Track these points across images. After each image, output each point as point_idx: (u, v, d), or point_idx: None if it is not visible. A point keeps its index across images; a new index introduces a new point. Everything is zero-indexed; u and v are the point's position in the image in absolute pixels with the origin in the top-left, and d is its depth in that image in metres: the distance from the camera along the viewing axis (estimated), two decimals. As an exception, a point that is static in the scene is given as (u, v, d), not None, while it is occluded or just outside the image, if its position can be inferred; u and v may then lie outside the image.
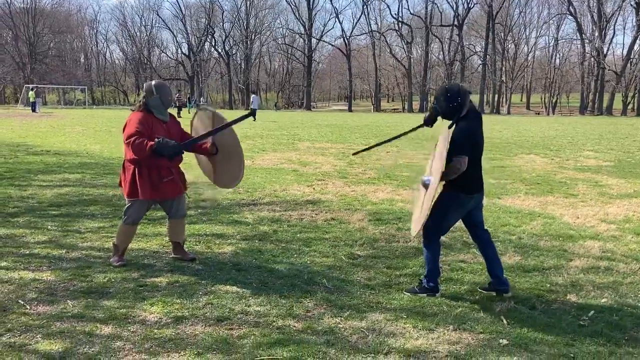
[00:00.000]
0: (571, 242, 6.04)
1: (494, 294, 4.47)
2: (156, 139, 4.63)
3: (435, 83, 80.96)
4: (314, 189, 9.11)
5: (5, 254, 5.24)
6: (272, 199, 8.15)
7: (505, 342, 3.63)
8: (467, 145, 4.18)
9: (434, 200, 4.30)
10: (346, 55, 77.28)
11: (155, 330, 3.70)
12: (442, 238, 4.74)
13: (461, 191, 4.37)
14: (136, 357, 3.34)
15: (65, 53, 77.56)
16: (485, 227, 4.65)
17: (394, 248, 5.76)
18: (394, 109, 79.60)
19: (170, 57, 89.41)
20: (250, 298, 4.32)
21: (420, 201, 4.65)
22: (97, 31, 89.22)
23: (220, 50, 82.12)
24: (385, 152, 14.21)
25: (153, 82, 4.99)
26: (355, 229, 6.44)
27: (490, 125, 31.75)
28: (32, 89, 42.97)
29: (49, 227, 6.29)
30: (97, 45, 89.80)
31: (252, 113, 5.32)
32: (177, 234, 5.27)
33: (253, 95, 38.66)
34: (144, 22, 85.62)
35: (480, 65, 74.47)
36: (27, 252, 5.35)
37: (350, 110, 73.62)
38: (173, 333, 3.67)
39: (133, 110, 4.96)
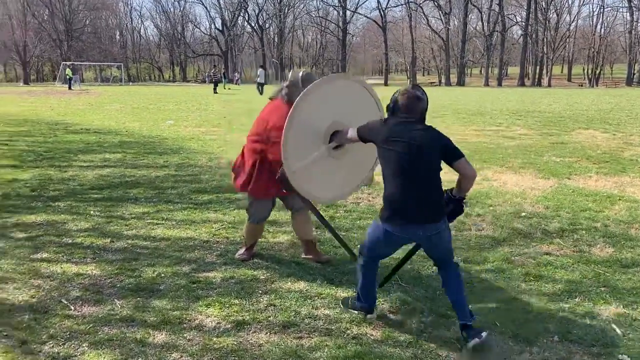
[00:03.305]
0: (666, 231, 5.36)
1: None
2: None
3: (474, 55, 78.78)
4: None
5: (46, 244, 4.86)
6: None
7: (626, 358, 3.05)
8: (363, 129, 3.51)
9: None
10: (382, 27, 75.51)
11: (215, 339, 3.24)
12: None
13: (380, 218, 3.36)
14: (196, 374, 2.90)
15: (100, 30, 77.83)
16: (454, 260, 3.45)
17: (467, 237, 5.18)
18: (431, 83, 77.80)
19: (204, 33, 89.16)
20: (317, 298, 3.82)
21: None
22: (131, 7, 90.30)
23: (253, 25, 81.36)
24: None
25: (300, 74, 4.17)
26: (419, 215, 5.86)
27: (537, 98, 30.55)
28: (69, 66, 43.19)
29: (92, 212, 5.91)
30: (131, 22, 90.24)
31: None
32: (306, 231, 4.54)
33: (260, 69, 37.55)
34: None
35: (521, 36, 71.96)
36: (70, 241, 4.96)
37: (386, 84, 72.16)
38: (234, 342, 3.21)
39: (271, 98, 4.30)
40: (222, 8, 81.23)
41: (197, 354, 3.08)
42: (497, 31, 70.66)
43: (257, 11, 79.92)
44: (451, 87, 62.18)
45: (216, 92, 34.54)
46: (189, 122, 15.54)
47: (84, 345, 3.15)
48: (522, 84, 66.06)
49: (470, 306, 3.66)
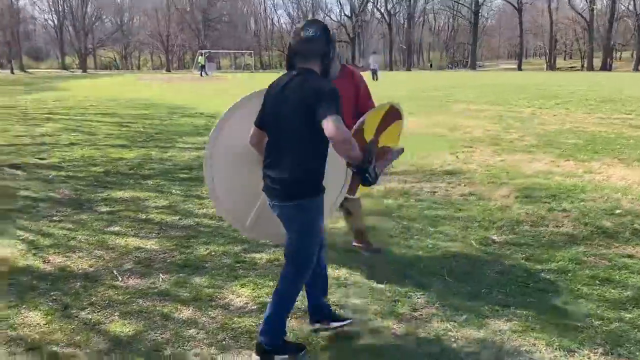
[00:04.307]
0: None
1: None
2: None
3: (623, 37, 71.87)
4: (457, 157, 8.14)
5: (122, 218, 5.23)
6: (407, 167, 7.37)
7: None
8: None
9: None
10: (517, 9, 71.39)
11: (235, 319, 3.28)
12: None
13: None
14: (204, 351, 2.95)
15: (236, 19, 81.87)
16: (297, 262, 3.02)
17: (540, 234, 4.74)
18: (571, 67, 72.31)
19: (334, 20, 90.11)
20: (352, 287, 3.73)
21: None
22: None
23: (382, 10, 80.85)
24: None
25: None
26: (495, 208, 5.49)
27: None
28: (203, 54, 45.90)
29: (173, 191, 6.25)
30: (265, 11, 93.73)
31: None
32: (356, 219, 4.37)
33: (372, 55, 35.14)
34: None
35: (681, 14, 64.18)
36: (144, 217, 5.29)
37: (519, 68, 68.31)
38: (253, 323, 3.23)
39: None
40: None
41: (213, 331, 3.14)
42: (651, 9, 63.66)
43: (386, -4, 79.26)
44: (593, 72, 57.27)
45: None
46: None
47: (115, 314, 3.34)
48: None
49: (515, 306, 3.38)
